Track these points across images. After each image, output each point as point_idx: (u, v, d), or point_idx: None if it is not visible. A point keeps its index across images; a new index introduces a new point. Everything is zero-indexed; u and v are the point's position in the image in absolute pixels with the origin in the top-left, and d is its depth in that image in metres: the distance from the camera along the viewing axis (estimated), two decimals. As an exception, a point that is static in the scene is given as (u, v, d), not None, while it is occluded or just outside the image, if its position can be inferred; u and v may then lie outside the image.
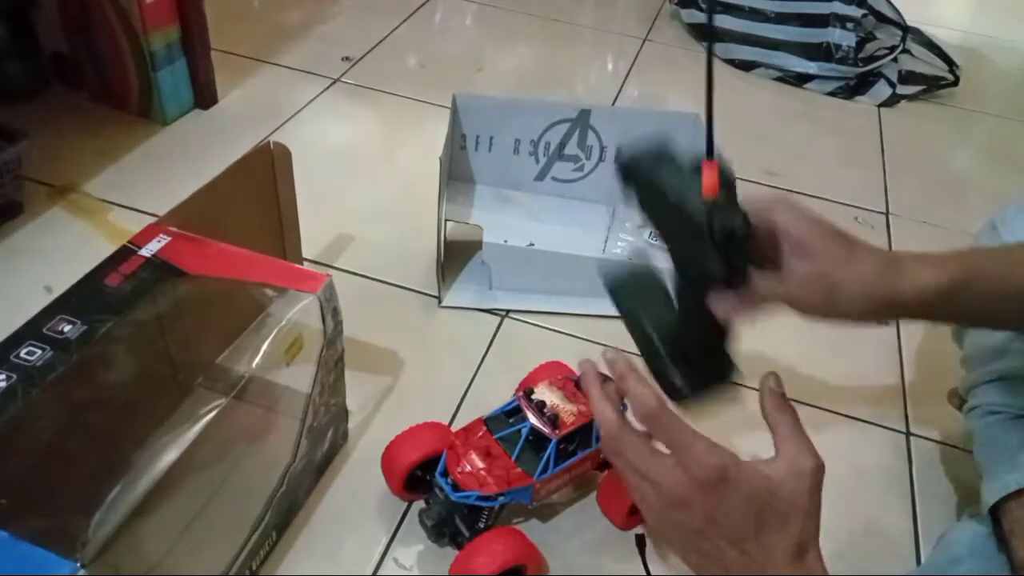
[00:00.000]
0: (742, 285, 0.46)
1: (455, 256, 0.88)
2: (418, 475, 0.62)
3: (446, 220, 0.84)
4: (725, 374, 0.47)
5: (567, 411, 0.59)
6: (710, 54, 0.43)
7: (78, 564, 0.37)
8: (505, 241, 0.84)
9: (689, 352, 0.49)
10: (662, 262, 0.50)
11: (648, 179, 0.46)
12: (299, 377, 0.56)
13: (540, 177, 0.94)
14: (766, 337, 0.86)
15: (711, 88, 0.43)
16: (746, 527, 0.41)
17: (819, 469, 0.42)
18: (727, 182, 0.44)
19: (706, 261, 0.44)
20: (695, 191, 0.43)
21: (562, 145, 0.91)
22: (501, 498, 0.57)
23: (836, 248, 0.48)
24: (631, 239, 0.91)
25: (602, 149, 0.91)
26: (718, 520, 0.41)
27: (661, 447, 0.43)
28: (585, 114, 0.89)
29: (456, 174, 0.94)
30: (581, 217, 0.93)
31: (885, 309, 0.49)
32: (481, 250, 0.83)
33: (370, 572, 0.60)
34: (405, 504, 0.65)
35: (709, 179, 0.42)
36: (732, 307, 0.48)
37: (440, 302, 0.84)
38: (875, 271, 0.47)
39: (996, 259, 0.52)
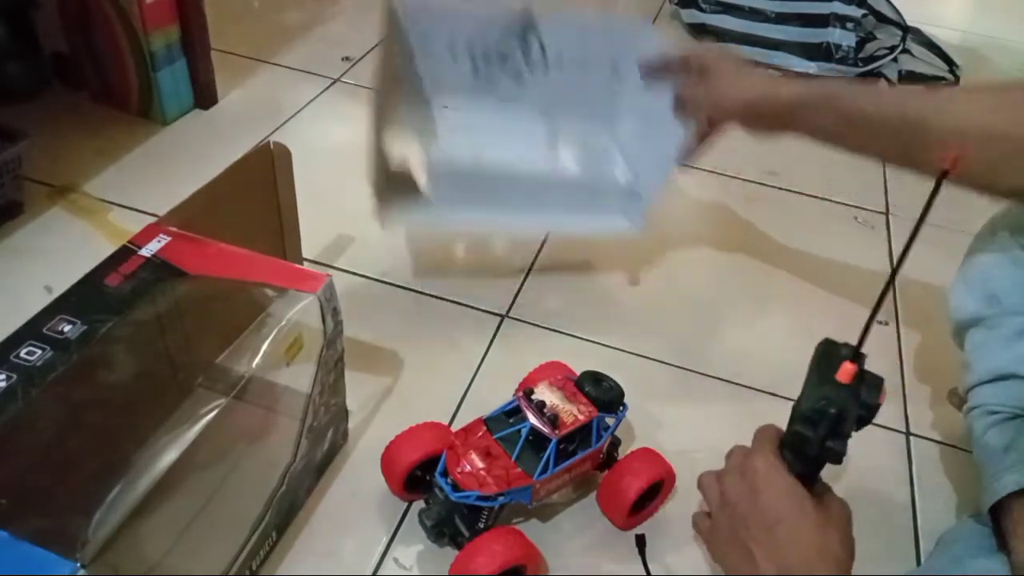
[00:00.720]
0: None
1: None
2: (418, 475, 0.62)
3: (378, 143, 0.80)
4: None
5: (567, 411, 0.59)
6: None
7: (78, 564, 0.37)
8: (446, 158, 0.82)
9: None
10: None
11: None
12: (299, 377, 0.56)
13: (478, 88, 0.87)
14: (766, 337, 0.87)
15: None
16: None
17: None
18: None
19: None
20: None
21: (503, 56, 0.85)
22: (501, 498, 0.57)
23: (735, 66, 0.73)
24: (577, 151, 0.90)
25: (546, 62, 0.85)
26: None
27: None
28: (529, 19, 0.83)
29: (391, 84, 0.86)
30: (524, 130, 0.89)
31: (763, 108, 0.70)
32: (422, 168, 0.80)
33: (370, 572, 0.60)
34: (405, 504, 0.65)
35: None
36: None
37: (382, 225, 0.79)
38: (755, 83, 0.71)
39: (853, 91, 0.68)
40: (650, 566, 0.62)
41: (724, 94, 0.71)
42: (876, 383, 0.49)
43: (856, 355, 0.49)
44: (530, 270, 0.91)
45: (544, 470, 0.58)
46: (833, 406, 0.48)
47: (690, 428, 0.74)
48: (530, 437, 0.58)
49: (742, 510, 0.52)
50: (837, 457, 0.49)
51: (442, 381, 0.76)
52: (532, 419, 0.58)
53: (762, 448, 0.53)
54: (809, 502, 0.50)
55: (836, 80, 0.75)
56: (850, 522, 0.52)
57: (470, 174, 0.83)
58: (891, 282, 0.47)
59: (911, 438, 0.77)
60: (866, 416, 0.49)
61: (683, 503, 0.68)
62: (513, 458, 0.58)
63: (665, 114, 0.76)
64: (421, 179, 0.81)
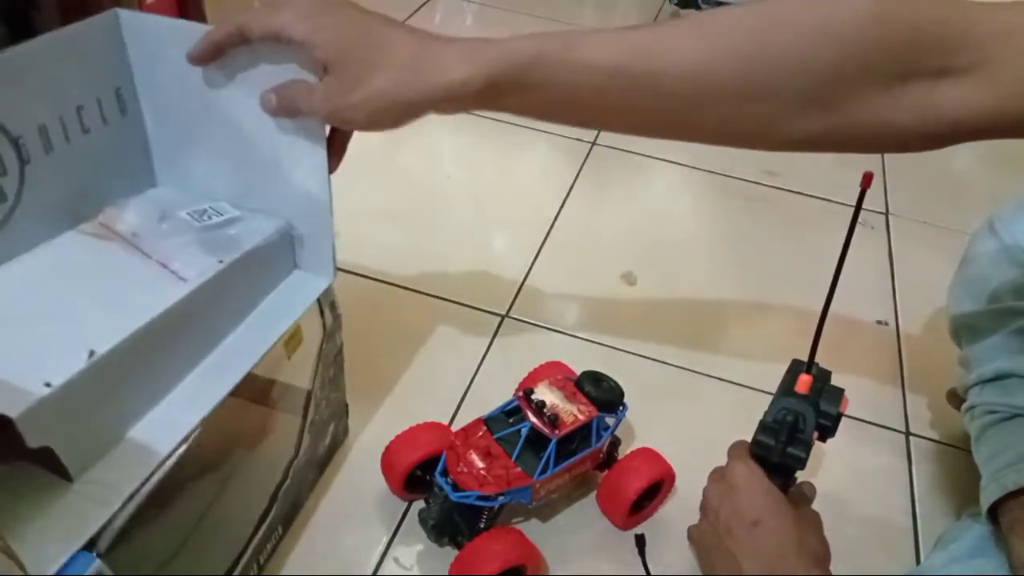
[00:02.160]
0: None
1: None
2: (418, 475, 0.62)
3: None
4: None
5: (567, 411, 0.59)
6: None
7: (94, 555, 0.37)
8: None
9: None
10: None
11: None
12: (299, 374, 0.56)
13: None
14: (766, 337, 0.87)
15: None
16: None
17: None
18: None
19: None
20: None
21: None
22: (501, 498, 0.57)
23: (359, 56, 0.45)
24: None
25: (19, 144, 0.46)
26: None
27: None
28: None
29: None
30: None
31: (417, 112, 0.46)
32: None
33: (370, 572, 0.60)
34: (405, 504, 0.65)
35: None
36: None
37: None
38: (399, 72, 0.45)
39: (556, 45, 0.45)
40: (650, 566, 0.62)
41: (375, 95, 0.45)
42: (836, 394, 0.54)
43: (811, 368, 0.54)
44: (530, 270, 0.91)
45: (544, 470, 0.58)
46: (791, 414, 0.53)
47: (690, 428, 0.74)
48: (530, 437, 0.58)
49: (724, 514, 0.54)
50: (799, 463, 0.53)
51: (442, 381, 0.76)
52: (532, 419, 0.58)
53: (738, 455, 0.56)
54: (786, 503, 0.52)
55: (534, 37, 0.46)
56: (822, 529, 0.55)
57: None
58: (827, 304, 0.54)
59: (911, 438, 0.77)
60: (828, 425, 0.53)
61: (683, 503, 0.67)
62: (513, 458, 0.58)
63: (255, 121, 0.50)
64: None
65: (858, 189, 0.48)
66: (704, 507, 0.58)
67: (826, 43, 0.43)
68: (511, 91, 0.46)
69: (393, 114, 0.46)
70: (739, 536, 0.52)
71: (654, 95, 0.45)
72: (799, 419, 0.53)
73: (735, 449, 0.58)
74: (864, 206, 0.49)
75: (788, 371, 0.56)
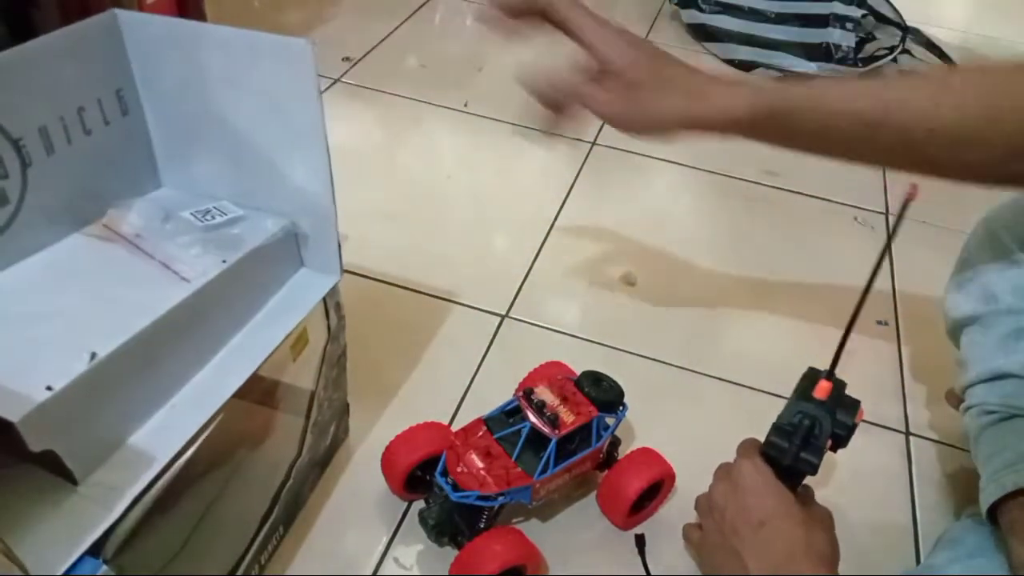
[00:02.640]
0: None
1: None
2: (418, 475, 0.62)
3: None
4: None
5: (567, 411, 0.59)
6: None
7: (100, 560, 0.37)
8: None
9: None
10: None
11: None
12: (301, 374, 0.56)
13: None
14: (766, 337, 0.87)
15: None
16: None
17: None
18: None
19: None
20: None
21: None
22: (501, 498, 0.57)
23: (652, 76, 0.56)
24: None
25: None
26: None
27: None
28: None
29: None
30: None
31: (694, 128, 0.56)
32: None
33: (370, 572, 0.60)
34: (405, 504, 0.65)
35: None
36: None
37: None
38: (685, 96, 0.55)
39: (809, 92, 0.56)
40: (650, 566, 0.62)
41: (653, 109, 0.56)
42: (853, 404, 0.54)
43: (832, 375, 0.54)
44: (530, 270, 0.91)
45: (544, 470, 0.58)
46: (807, 418, 0.53)
47: (690, 428, 0.75)
48: (530, 437, 0.58)
49: (729, 513, 0.53)
50: (812, 468, 0.53)
51: (442, 381, 0.76)
52: (532, 419, 0.58)
53: (747, 453, 0.56)
54: (794, 503, 0.52)
55: (794, 82, 0.58)
56: (833, 527, 0.54)
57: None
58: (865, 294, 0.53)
59: (911, 438, 0.77)
60: (842, 435, 0.53)
61: (683, 503, 0.68)
62: (513, 458, 0.58)
63: (247, 113, 0.50)
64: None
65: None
66: (708, 505, 0.58)
67: None
68: (773, 128, 0.57)
69: (669, 125, 0.56)
70: (745, 536, 0.52)
71: (890, 139, 0.56)
72: (815, 425, 0.53)
73: (744, 447, 0.57)
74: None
75: (804, 377, 0.56)
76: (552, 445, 0.57)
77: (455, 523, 0.59)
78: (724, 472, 0.58)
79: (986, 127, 0.53)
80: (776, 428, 0.54)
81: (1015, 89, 0.52)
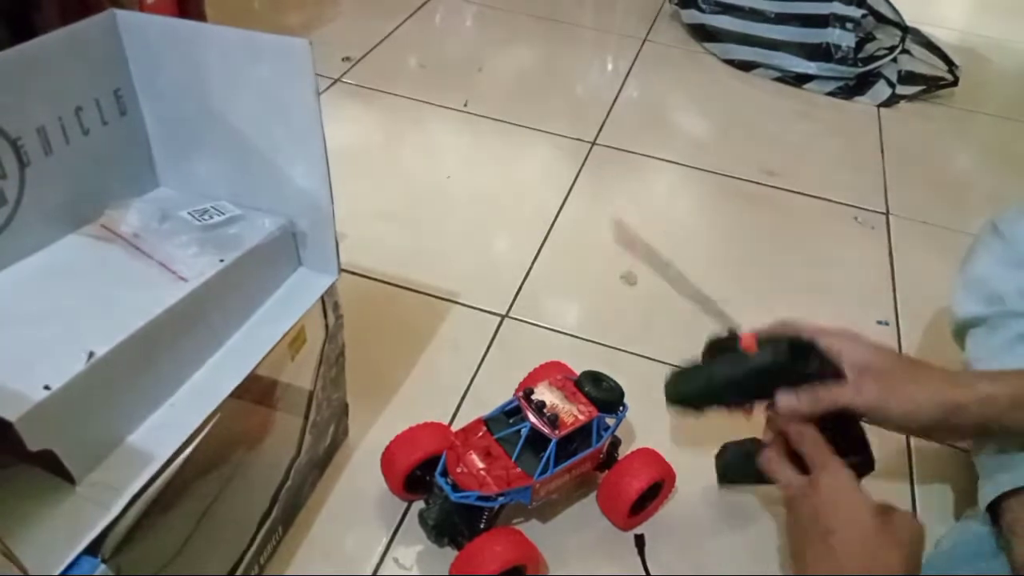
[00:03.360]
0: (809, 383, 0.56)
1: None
2: (418, 475, 0.62)
3: None
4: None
5: (567, 411, 0.59)
6: None
7: (99, 559, 0.37)
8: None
9: None
10: None
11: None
12: (300, 374, 0.56)
13: None
14: (766, 337, 0.87)
15: None
16: None
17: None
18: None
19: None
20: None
21: None
22: (501, 498, 0.57)
23: (903, 366, 0.57)
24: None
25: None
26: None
27: None
28: None
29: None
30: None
31: (951, 414, 0.54)
32: None
33: (370, 572, 0.60)
34: (405, 504, 0.65)
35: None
36: (795, 403, 0.56)
37: None
38: (941, 381, 0.55)
39: None
40: (649, 566, 0.62)
41: (909, 397, 0.55)
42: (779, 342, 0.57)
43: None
44: (530, 270, 0.91)
45: (544, 470, 0.58)
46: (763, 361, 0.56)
47: (690, 428, 0.74)
48: (530, 437, 0.58)
49: (804, 517, 0.53)
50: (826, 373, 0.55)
51: (442, 381, 0.76)
52: (532, 419, 0.58)
53: (831, 462, 0.54)
54: (870, 517, 0.50)
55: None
56: (920, 543, 0.51)
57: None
58: None
59: (911, 438, 0.77)
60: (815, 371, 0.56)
61: (683, 503, 0.68)
62: (513, 458, 0.58)
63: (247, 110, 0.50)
64: None
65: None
66: (788, 502, 0.56)
67: None
68: (999, 421, 0.55)
69: (922, 414, 0.55)
70: (813, 540, 0.51)
71: None
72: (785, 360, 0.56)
73: (825, 461, 0.55)
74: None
75: (713, 345, 0.62)
76: (552, 445, 0.57)
77: (455, 523, 0.59)
78: (807, 483, 0.54)
79: None
80: (730, 383, 0.58)
81: None
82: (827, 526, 0.50)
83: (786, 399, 0.56)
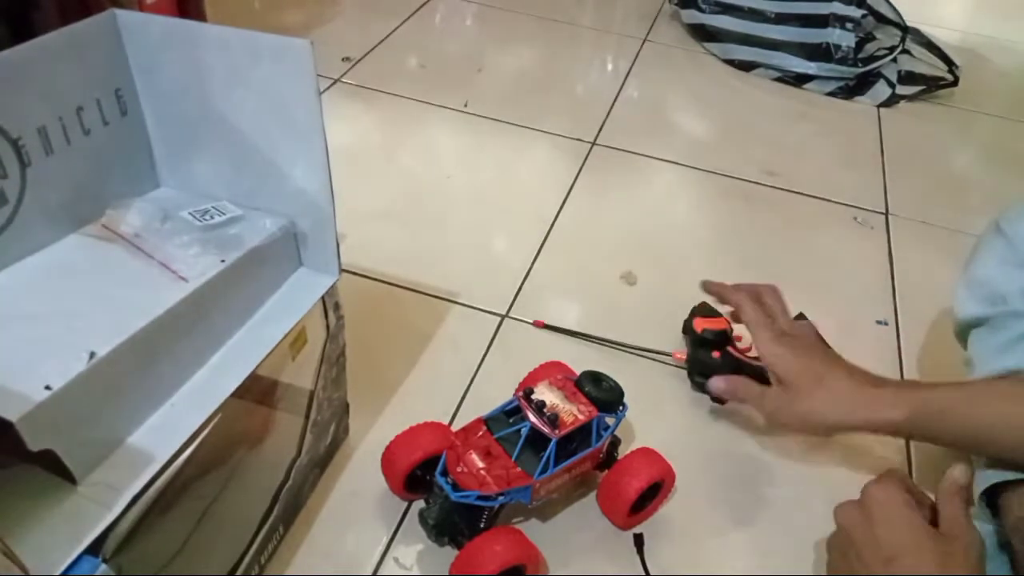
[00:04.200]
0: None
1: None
2: (418, 475, 0.62)
3: None
4: None
5: (567, 411, 0.59)
6: None
7: (100, 559, 0.37)
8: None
9: None
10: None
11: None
12: (300, 374, 0.56)
13: None
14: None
15: None
16: None
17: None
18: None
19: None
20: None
21: None
22: (501, 498, 0.57)
23: (808, 382, 0.61)
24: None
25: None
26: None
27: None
28: None
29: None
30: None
31: (839, 431, 0.63)
32: None
33: (370, 572, 0.60)
34: (405, 504, 0.65)
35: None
36: (721, 387, 0.68)
37: None
38: (830, 406, 0.60)
39: (959, 398, 0.59)
40: (649, 566, 0.62)
41: (812, 413, 0.61)
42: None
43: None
44: (530, 270, 0.91)
45: (544, 470, 0.58)
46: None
47: (690, 428, 0.75)
48: (530, 437, 0.58)
49: (858, 544, 0.50)
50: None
51: (442, 381, 0.76)
52: (532, 419, 0.58)
53: (886, 480, 0.52)
54: (930, 537, 0.48)
55: (944, 389, 0.60)
56: (980, 558, 0.49)
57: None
58: None
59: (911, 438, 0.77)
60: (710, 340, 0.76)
61: (683, 503, 0.68)
62: (513, 458, 0.58)
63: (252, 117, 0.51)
64: None
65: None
66: (839, 533, 0.54)
67: None
68: (919, 433, 0.61)
69: (821, 428, 0.62)
70: (875, 568, 0.48)
71: None
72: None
73: (890, 473, 0.54)
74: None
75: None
76: (552, 445, 0.57)
77: (455, 523, 0.59)
78: (856, 501, 0.53)
79: None
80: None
81: None
82: (890, 552, 0.48)
83: (714, 383, 0.68)
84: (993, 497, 0.59)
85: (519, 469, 0.58)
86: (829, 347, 0.68)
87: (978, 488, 0.59)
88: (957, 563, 0.47)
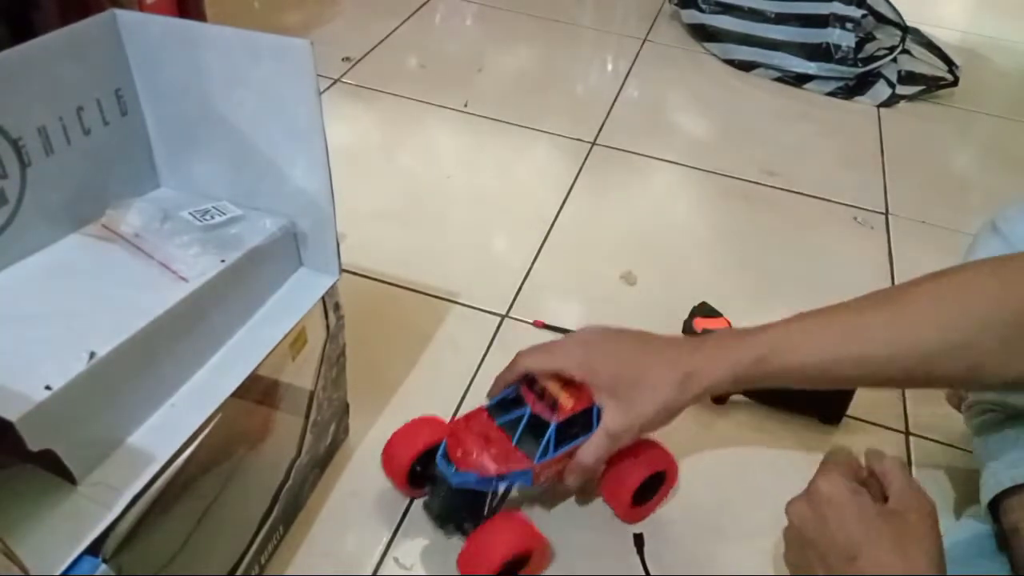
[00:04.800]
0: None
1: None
2: (419, 470, 0.62)
3: None
4: None
5: (567, 398, 0.59)
6: None
7: (100, 559, 0.37)
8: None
9: None
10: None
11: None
12: (300, 374, 0.56)
13: None
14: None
15: None
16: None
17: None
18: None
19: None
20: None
21: None
22: (502, 482, 0.57)
23: (626, 381, 0.57)
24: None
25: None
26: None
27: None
28: None
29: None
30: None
31: (679, 413, 0.58)
32: None
33: (370, 572, 0.60)
34: (406, 503, 0.65)
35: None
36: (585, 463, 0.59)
37: None
38: (659, 401, 0.56)
39: (787, 338, 0.56)
40: (649, 566, 0.62)
41: (647, 415, 0.57)
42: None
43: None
44: (530, 270, 0.91)
45: (544, 453, 0.58)
46: None
47: (691, 428, 0.74)
48: (531, 422, 0.58)
49: (812, 537, 0.49)
50: None
51: (442, 381, 0.76)
52: (532, 404, 0.58)
53: (828, 471, 0.51)
54: (884, 520, 0.47)
55: (768, 331, 0.58)
56: (932, 521, 0.49)
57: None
58: None
59: (911, 438, 0.77)
60: None
61: (683, 503, 0.68)
62: (514, 442, 0.58)
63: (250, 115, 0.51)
64: None
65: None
66: (796, 536, 0.52)
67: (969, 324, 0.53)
68: (752, 382, 0.57)
69: (661, 422, 0.58)
70: (839, 568, 0.47)
71: (865, 370, 0.55)
72: None
73: (828, 462, 0.53)
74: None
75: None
76: (551, 429, 0.57)
77: (459, 509, 0.59)
78: (805, 497, 0.51)
79: (949, 347, 0.53)
80: None
81: (966, 300, 0.54)
82: (850, 551, 0.47)
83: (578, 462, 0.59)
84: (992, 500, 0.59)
85: (520, 452, 0.57)
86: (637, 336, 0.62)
87: (984, 497, 0.59)
88: (915, 535, 0.47)
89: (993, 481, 0.58)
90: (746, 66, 1.40)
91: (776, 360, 0.55)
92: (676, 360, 0.57)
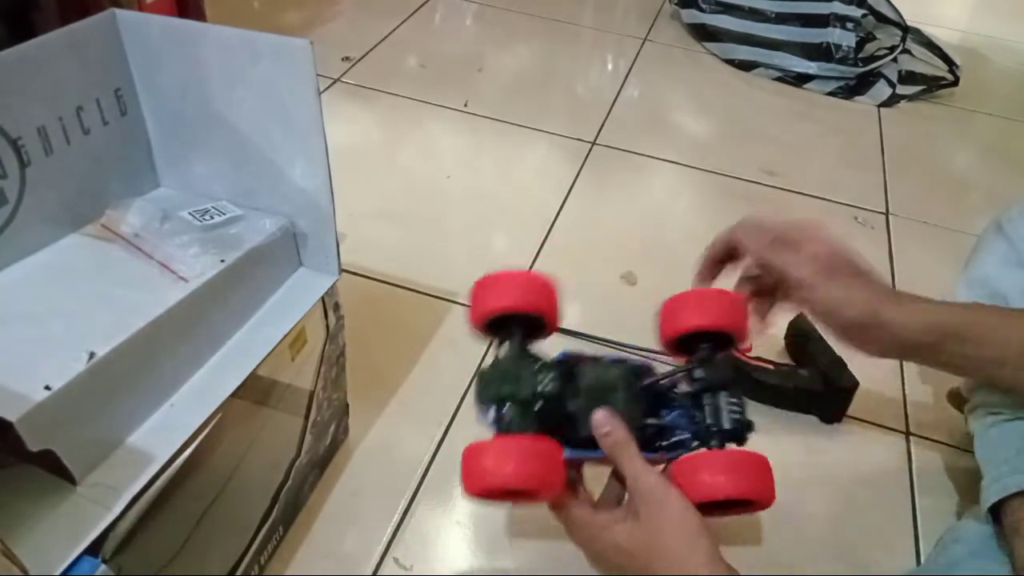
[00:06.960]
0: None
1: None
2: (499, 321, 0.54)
3: None
4: None
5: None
6: None
7: (99, 559, 0.37)
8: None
9: None
10: None
11: None
12: (300, 374, 0.56)
13: None
14: (765, 336, 0.86)
15: None
16: None
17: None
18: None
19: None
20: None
21: None
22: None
23: (850, 269, 0.54)
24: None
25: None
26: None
27: None
28: None
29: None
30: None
31: (871, 335, 0.53)
32: None
33: (370, 572, 0.60)
34: (406, 502, 0.65)
35: None
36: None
37: None
38: (869, 300, 0.53)
39: (984, 327, 0.53)
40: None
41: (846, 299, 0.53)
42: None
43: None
44: (530, 270, 0.91)
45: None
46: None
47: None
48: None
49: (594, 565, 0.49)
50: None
51: (442, 381, 0.76)
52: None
53: (562, 508, 0.49)
54: (630, 536, 0.45)
55: (964, 310, 0.55)
56: (684, 507, 0.44)
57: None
58: None
59: (911, 438, 0.77)
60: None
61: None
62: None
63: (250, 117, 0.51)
64: None
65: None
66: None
67: None
68: (933, 351, 0.53)
69: (856, 314, 0.53)
70: None
71: None
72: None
73: (555, 502, 0.50)
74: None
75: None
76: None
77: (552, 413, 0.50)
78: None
79: None
80: None
81: None
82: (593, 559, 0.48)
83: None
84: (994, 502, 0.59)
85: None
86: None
87: (987, 500, 0.58)
88: (670, 532, 0.44)
89: (998, 485, 0.58)
90: (746, 66, 1.40)
91: (965, 333, 0.53)
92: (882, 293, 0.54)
